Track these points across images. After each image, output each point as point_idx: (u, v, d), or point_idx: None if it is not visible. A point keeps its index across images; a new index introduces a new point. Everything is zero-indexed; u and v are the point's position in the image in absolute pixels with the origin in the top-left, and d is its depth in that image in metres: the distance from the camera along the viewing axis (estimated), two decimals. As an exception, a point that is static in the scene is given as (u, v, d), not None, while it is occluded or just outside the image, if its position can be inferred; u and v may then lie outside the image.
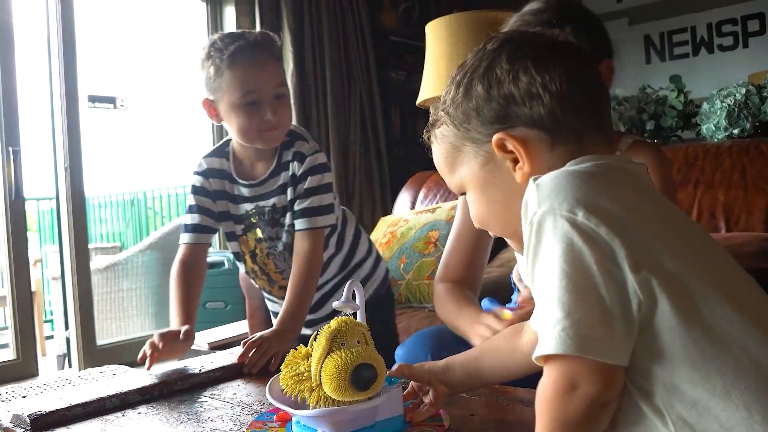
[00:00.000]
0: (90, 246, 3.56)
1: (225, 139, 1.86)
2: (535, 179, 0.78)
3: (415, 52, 3.76)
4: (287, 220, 1.77)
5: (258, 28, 3.78)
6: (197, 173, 1.84)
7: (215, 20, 3.90)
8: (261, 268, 1.84)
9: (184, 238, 1.80)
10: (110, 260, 3.96)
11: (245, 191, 1.81)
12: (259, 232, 1.81)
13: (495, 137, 0.85)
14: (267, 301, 1.94)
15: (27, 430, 1.17)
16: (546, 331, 0.71)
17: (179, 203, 5.77)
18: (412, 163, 4.29)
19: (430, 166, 1.93)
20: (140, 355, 1.54)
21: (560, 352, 0.69)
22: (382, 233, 2.79)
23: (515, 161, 0.85)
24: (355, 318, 1.09)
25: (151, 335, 1.58)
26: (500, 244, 1.86)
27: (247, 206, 1.81)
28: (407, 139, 4.70)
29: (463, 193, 0.95)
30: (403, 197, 3.03)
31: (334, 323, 1.03)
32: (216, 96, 1.71)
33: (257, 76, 1.67)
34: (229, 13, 3.87)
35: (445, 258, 1.62)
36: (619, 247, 0.70)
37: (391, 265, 2.61)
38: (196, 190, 1.82)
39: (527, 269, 0.75)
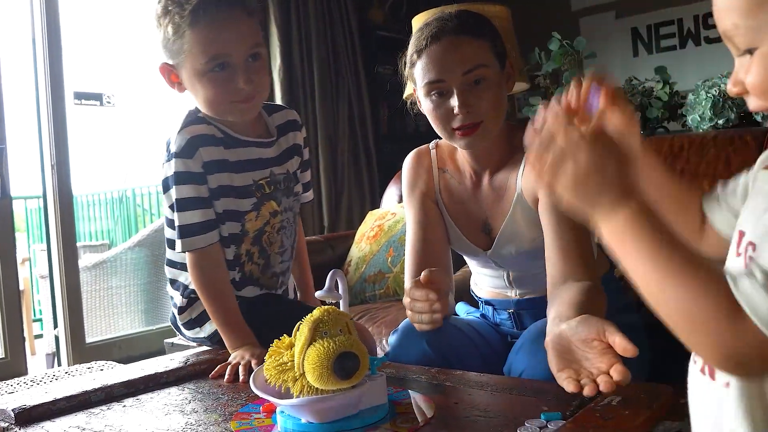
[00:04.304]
0: (79, 244, 3.55)
1: (189, 110, 1.56)
2: None
3: (404, 47, 3.76)
4: (298, 188, 1.65)
5: (245, 24, 3.76)
6: (177, 155, 1.47)
7: (202, 16, 3.88)
8: (262, 250, 1.59)
9: (191, 242, 1.48)
10: (99, 258, 3.95)
11: (257, 153, 1.55)
12: (274, 204, 1.58)
13: None
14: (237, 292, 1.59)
15: (11, 424, 1.17)
16: None
17: (167, 200, 5.75)
18: (401, 159, 4.29)
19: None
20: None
21: None
22: (369, 227, 2.79)
23: None
24: (338, 307, 1.10)
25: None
26: (461, 259, 1.85)
27: (257, 174, 1.55)
28: (396, 134, 4.70)
29: (749, 51, 0.70)
30: (391, 191, 3.03)
31: (316, 312, 1.04)
32: (177, 60, 1.45)
33: (225, 37, 1.41)
34: (216, 9, 3.85)
35: (407, 266, 1.58)
36: None
37: (378, 259, 2.62)
38: (182, 179, 1.48)
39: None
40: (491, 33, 1.47)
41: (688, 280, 0.62)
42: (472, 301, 1.77)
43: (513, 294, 1.61)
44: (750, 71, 0.69)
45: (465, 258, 1.69)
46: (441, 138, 1.55)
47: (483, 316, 1.68)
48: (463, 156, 1.57)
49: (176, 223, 1.50)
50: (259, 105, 1.54)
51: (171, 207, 1.52)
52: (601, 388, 0.98)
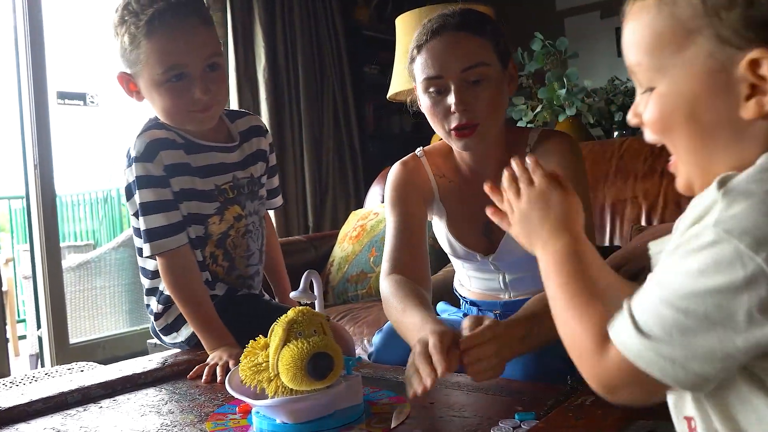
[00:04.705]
0: (63, 244, 3.53)
1: (149, 118, 1.57)
2: (722, 182, 0.64)
3: (389, 46, 3.76)
4: (263, 192, 1.67)
5: (230, 24, 3.76)
6: (137, 159, 1.46)
7: (186, 16, 3.86)
8: (227, 253, 1.59)
9: (159, 245, 1.47)
10: (83, 258, 3.93)
11: (219, 157, 1.56)
12: (238, 209, 1.58)
13: (756, 51, 0.63)
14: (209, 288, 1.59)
15: (-14, 426, 1.17)
16: (646, 342, 0.64)
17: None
18: (386, 158, 4.29)
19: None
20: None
21: (653, 373, 0.64)
22: (352, 227, 2.79)
23: (753, 90, 0.64)
24: (313, 308, 1.10)
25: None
26: (444, 258, 1.81)
27: (220, 179, 1.55)
28: (381, 134, 4.70)
29: (650, 89, 0.73)
30: (374, 191, 3.03)
31: (291, 313, 1.04)
32: (134, 70, 1.45)
33: (182, 47, 1.41)
34: (200, 9, 3.84)
35: (387, 253, 1.47)
36: None
37: (360, 259, 2.62)
38: (144, 183, 1.47)
39: (668, 249, 0.66)
40: (494, 32, 1.42)
41: (580, 314, 0.73)
42: (453, 300, 1.76)
43: (506, 296, 1.58)
44: (647, 108, 0.73)
45: (455, 261, 1.64)
46: (423, 142, 1.52)
47: (466, 315, 1.67)
48: (461, 158, 1.53)
49: (142, 228, 1.49)
50: (216, 114, 1.54)
51: (135, 214, 1.52)
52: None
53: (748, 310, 0.59)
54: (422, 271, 1.46)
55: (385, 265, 1.45)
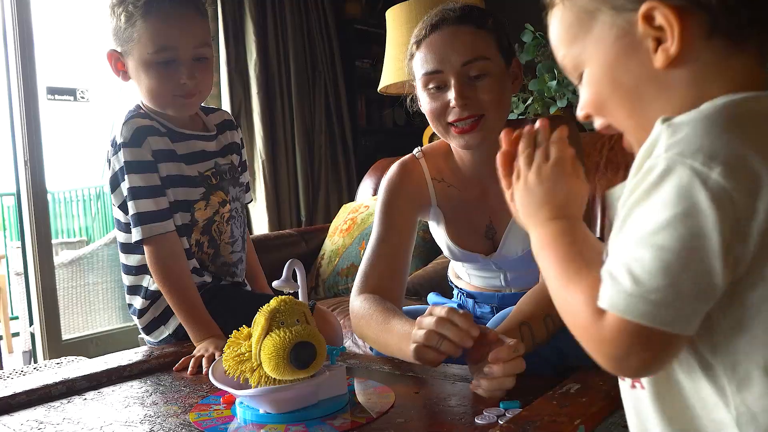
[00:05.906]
0: (56, 241, 3.51)
1: (130, 109, 1.60)
2: (666, 119, 0.66)
3: (381, 40, 3.74)
4: (243, 179, 1.71)
5: (221, 18, 3.74)
6: (125, 145, 1.49)
7: (176, 10, 3.84)
8: (213, 239, 1.60)
9: (150, 229, 1.49)
10: (75, 254, 3.92)
11: (200, 145, 1.59)
12: (222, 194, 1.61)
13: (645, 5, 0.69)
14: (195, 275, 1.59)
15: (-32, 419, 1.16)
16: (633, 292, 0.62)
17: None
18: (378, 152, 4.29)
19: (395, 153, 1.87)
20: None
21: (649, 323, 0.61)
22: (342, 220, 2.78)
23: (658, 41, 0.69)
24: (296, 297, 1.09)
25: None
26: (436, 250, 1.79)
27: (202, 166, 1.59)
28: (373, 128, 4.70)
29: (580, 75, 0.78)
30: (366, 184, 3.02)
31: (273, 302, 1.03)
32: (125, 48, 1.49)
33: (175, 31, 1.46)
34: (191, 3, 3.82)
35: (365, 268, 1.41)
36: (754, 213, 0.59)
37: (351, 251, 2.61)
38: (133, 167, 1.49)
39: (623, 201, 0.65)
40: (497, 26, 1.37)
41: (573, 287, 0.70)
42: (444, 292, 1.75)
43: (508, 290, 1.55)
44: (581, 93, 0.79)
45: (456, 262, 1.61)
46: (415, 135, 1.49)
47: (460, 306, 1.65)
48: (461, 161, 1.47)
49: (131, 212, 1.50)
50: (198, 102, 1.59)
51: (121, 206, 1.54)
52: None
53: (720, 229, 0.59)
54: (397, 293, 1.41)
55: (359, 281, 1.40)
